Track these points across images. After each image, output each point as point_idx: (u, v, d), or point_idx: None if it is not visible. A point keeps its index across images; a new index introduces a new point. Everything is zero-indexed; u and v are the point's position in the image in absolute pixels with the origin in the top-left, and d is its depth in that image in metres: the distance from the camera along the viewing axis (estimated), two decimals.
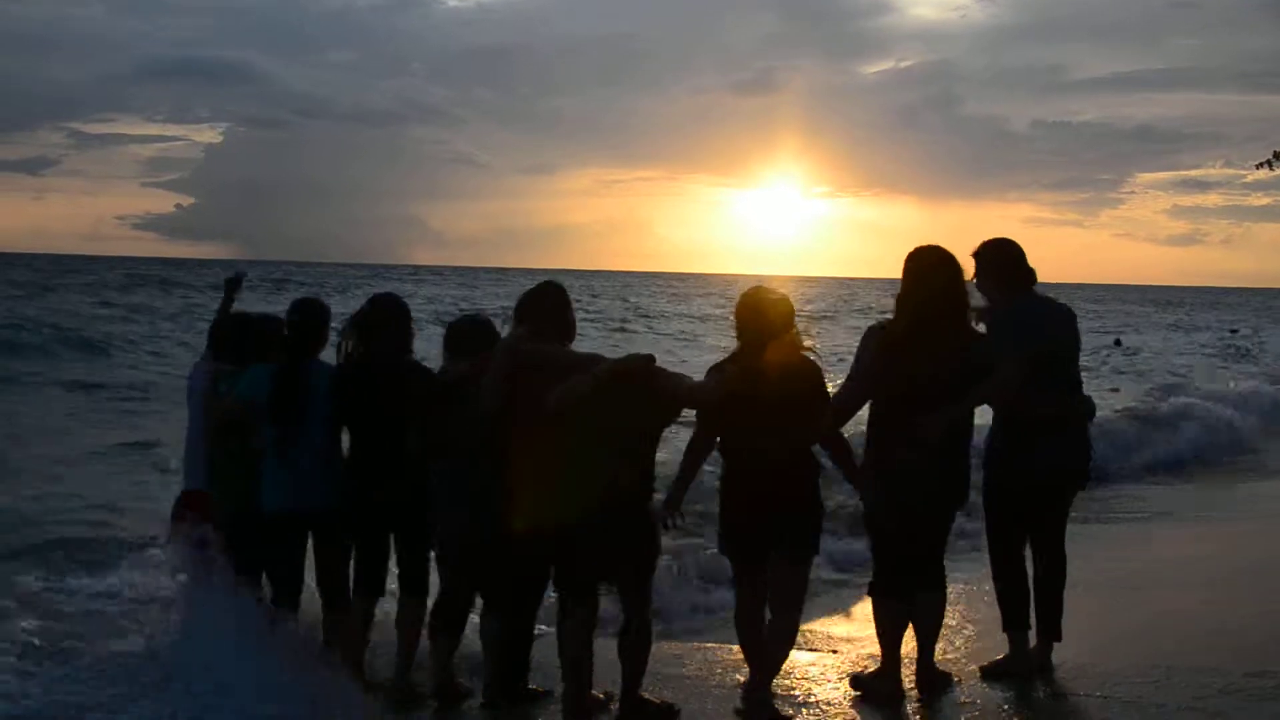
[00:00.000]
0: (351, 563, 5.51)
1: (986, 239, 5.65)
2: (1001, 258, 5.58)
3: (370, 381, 5.32)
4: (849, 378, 5.31)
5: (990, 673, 5.60)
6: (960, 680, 5.53)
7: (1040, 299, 5.64)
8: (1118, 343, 39.17)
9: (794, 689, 5.40)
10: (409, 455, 5.26)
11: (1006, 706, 5.24)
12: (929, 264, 5.19)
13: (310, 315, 5.53)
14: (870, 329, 5.35)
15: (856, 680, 5.47)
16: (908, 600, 5.30)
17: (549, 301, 5.20)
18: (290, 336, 5.50)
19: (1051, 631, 5.66)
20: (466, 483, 5.13)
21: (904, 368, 5.09)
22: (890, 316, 5.28)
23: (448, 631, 5.37)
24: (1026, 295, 5.59)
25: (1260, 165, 15.91)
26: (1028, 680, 5.50)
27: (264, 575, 5.54)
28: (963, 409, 5.18)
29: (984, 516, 5.70)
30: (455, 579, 5.32)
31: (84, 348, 23.62)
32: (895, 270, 5.28)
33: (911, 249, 5.26)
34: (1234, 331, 49.29)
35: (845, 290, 72.85)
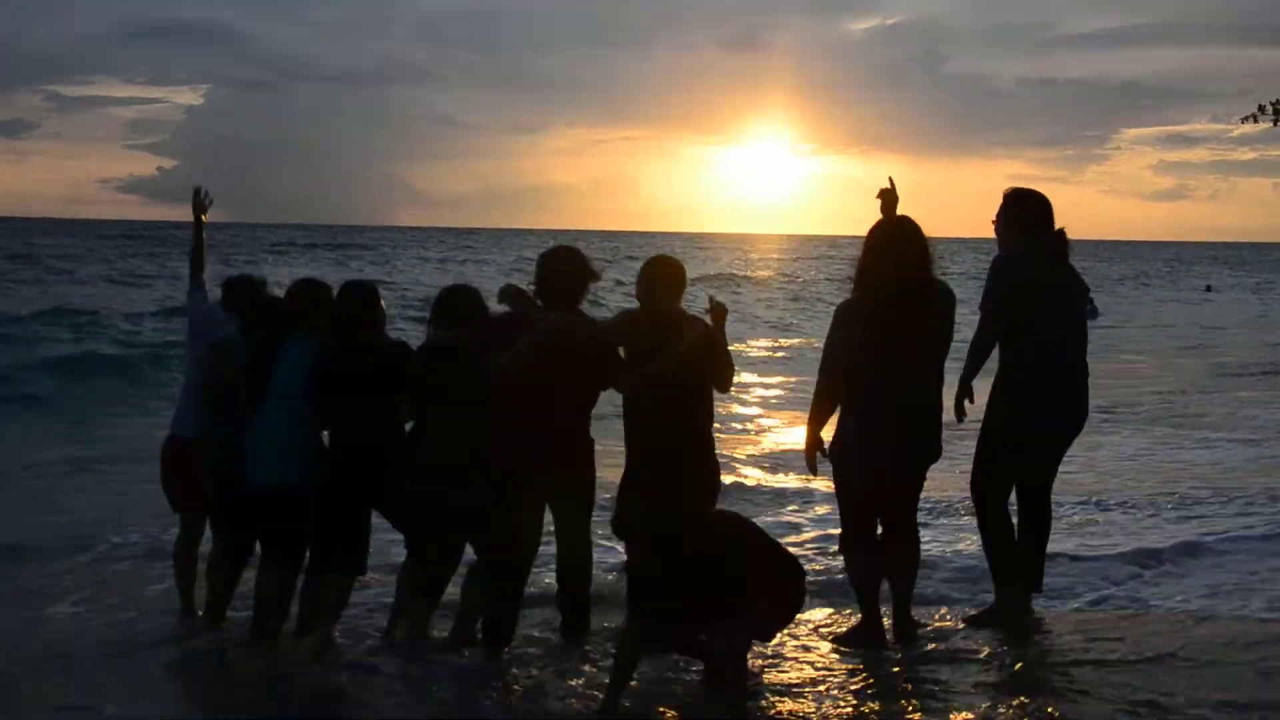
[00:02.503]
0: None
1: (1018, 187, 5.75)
2: (1021, 205, 5.65)
3: (355, 361, 5.41)
4: (828, 348, 5.42)
5: (977, 622, 5.72)
6: (929, 627, 5.64)
7: (1044, 254, 5.56)
8: (1209, 289, 47.78)
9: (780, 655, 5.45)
10: (396, 429, 5.42)
11: (992, 656, 5.35)
12: (886, 239, 5.35)
13: (303, 297, 5.63)
14: (844, 304, 5.49)
15: (839, 639, 5.55)
16: (878, 552, 5.44)
17: (567, 265, 5.47)
18: (279, 315, 5.62)
19: (1035, 584, 5.77)
20: (458, 443, 5.28)
21: (878, 336, 5.23)
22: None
23: (430, 593, 5.52)
24: (1031, 248, 5.57)
25: (1246, 119, 15.89)
26: (1013, 631, 5.61)
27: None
28: (967, 371, 5.46)
29: (974, 471, 5.75)
30: (438, 544, 5.46)
31: None
32: None
33: (872, 225, 5.41)
34: (1208, 289, 49.20)
35: (833, 250, 72.64)
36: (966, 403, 5.58)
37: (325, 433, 5.52)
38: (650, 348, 5.33)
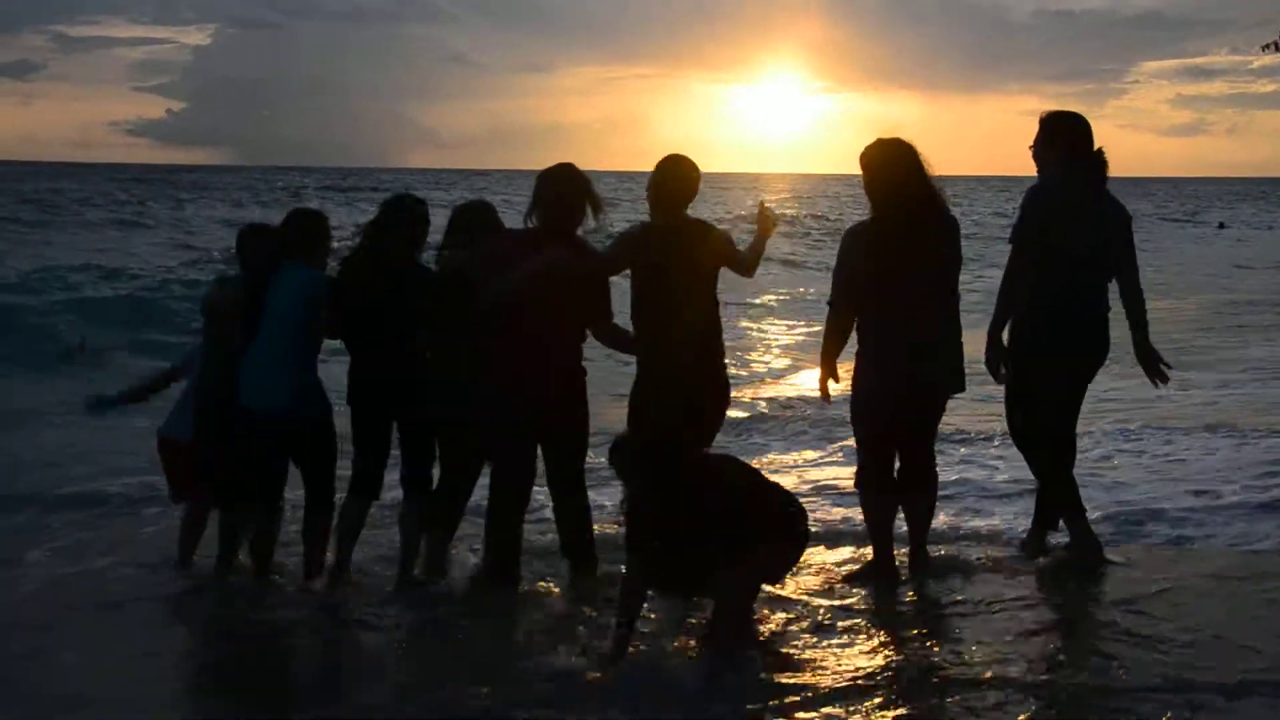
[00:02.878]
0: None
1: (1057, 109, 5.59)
2: (1060, 125, 5.47)
3: (371, 283, 5.37)
4: (836, 278, 5.34)
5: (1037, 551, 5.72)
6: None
7: (1080, 179, 5.41)
8: (1221, 225, 46.08)
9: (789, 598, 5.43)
10: (413, 353, 5.38)
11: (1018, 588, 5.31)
12: (886, 159, 5.21)
13: (293, 224, 5.65)
14: (851, 230, 5.39)
15: (850, 578, 5.50)
16: (893, 491, 5.40)
17: (562, 189, 5.34)
18: (277, 244, 5.60)
19: (1052, 521, 5.76)
20: (462, 368, 5.32)
21: (885, 271, 5.15)
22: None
23: (446, 524, 5.57)
24: (1066, 171, 5.40)
25: (1266, 47, 15.60)
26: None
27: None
28: (997, 316, 5.43)
29: (1007, 411, 5.69)
30: (454, 473, 5.52)
31: None
32: None
33: (866, 145, 5.28)
34: (1221, 226, 47.94)
35: (848, 188, 71.96)
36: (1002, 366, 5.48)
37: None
38: (654, 264, 5.25)
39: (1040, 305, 5.39)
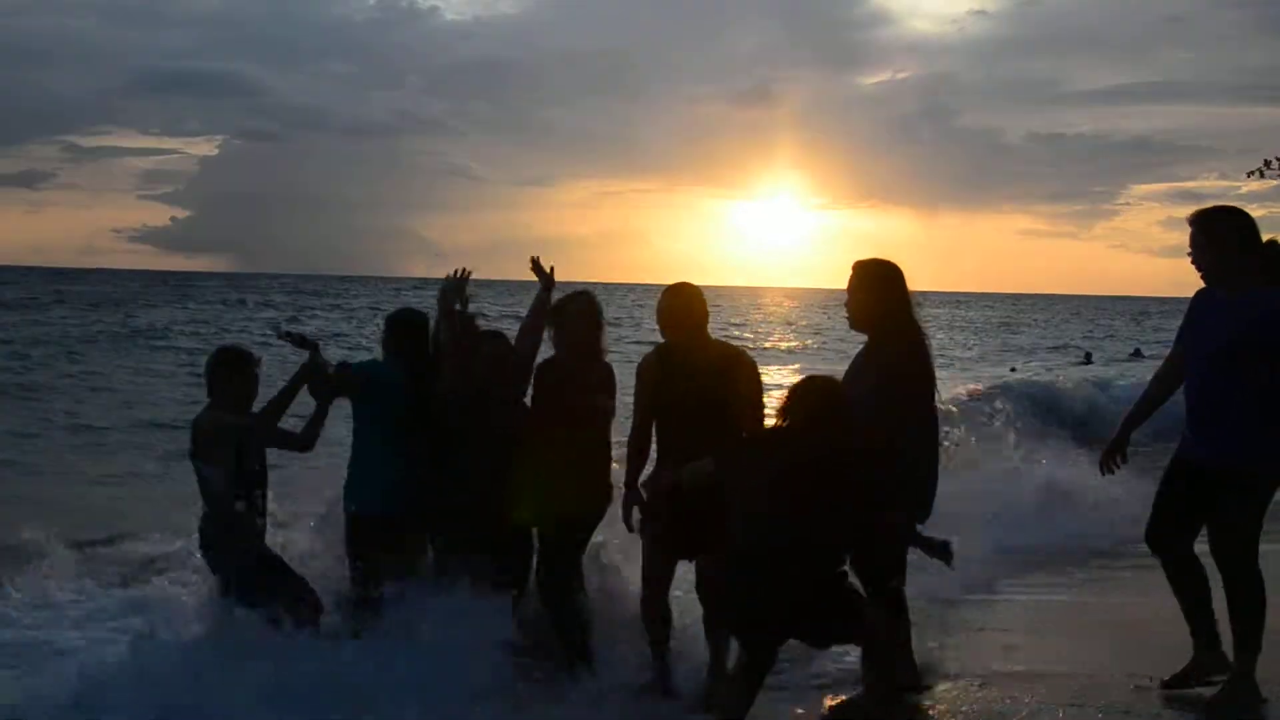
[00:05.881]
0: None
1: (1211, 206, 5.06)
2: (1237, 224, 4.93)
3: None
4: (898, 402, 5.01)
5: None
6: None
7: (1236, 291, 4.87)
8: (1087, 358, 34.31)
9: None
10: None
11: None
12: (890, 276, 5.17)
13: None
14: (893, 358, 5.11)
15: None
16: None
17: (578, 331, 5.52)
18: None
19: None
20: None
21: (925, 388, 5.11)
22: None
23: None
24: (1232, 284, 4.88)
25: (1252, 174, 15.93)
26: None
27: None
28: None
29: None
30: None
31: None
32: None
33: (875, 266, 5.18)
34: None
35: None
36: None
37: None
38: (653, 386, 5.30)
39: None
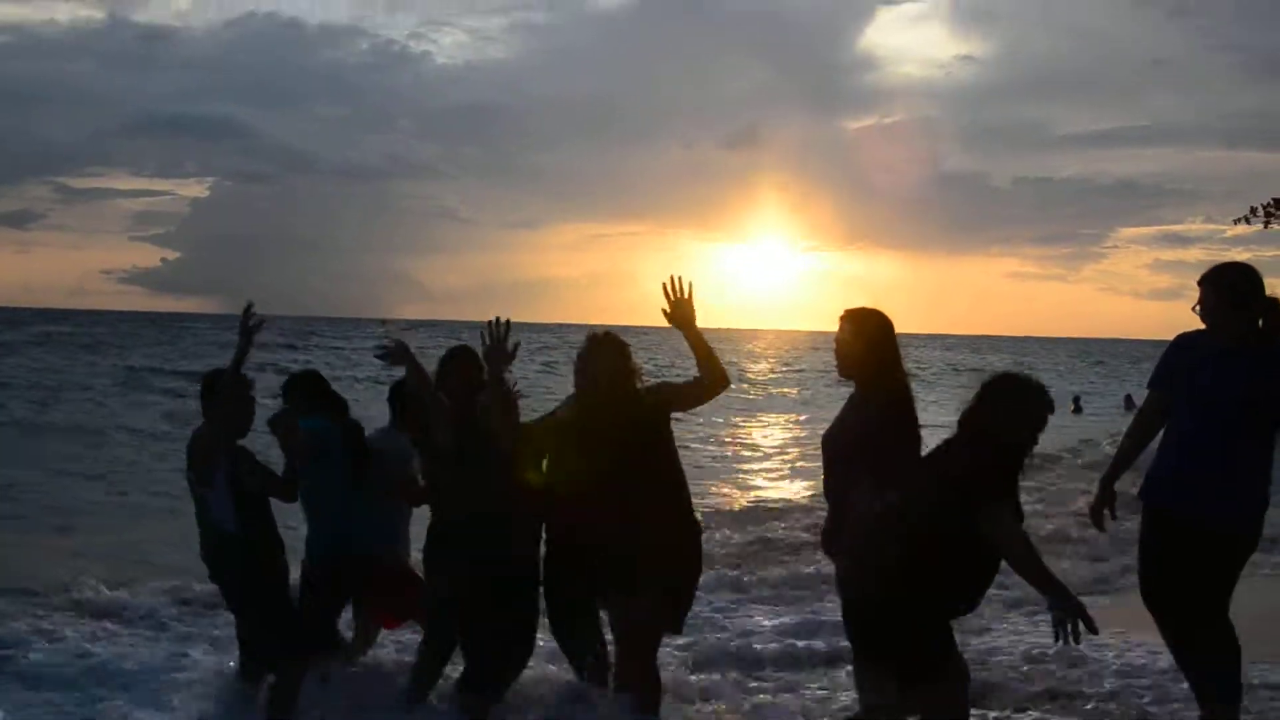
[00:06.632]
0: None
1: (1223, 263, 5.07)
2: (1247, 281, 4.91)
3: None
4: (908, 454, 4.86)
5: None
6: None
7: (1235, 347, 4.88)
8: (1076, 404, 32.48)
9: None
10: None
11: None
12: (883, 325, 5.09)
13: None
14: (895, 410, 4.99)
15: None
16: None
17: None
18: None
19: None
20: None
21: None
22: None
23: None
24: (1232, 340, 4.90)
25: (1239, 220, 16.11)
26: None
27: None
28: None
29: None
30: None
31: None
32: None
33: (867, 316, 5.08)
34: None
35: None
36: None
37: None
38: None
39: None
